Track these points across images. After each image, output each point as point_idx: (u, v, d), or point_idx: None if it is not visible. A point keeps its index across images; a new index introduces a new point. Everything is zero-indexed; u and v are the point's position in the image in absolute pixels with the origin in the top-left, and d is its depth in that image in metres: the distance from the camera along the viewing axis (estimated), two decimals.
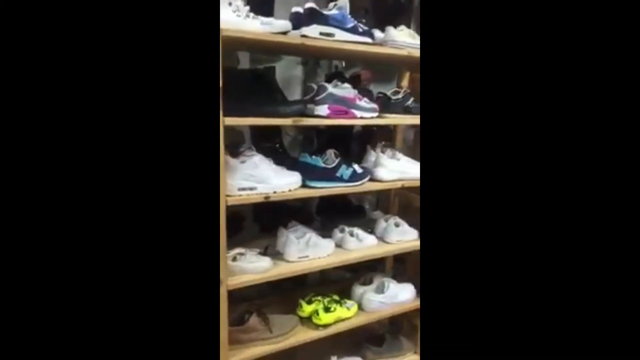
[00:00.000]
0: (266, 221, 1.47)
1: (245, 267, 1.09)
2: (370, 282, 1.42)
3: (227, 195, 1.01)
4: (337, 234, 1.32)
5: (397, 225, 1.38)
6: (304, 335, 1.23)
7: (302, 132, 1.68)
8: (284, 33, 1.04)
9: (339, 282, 1.57)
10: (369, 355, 1.42)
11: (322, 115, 1.11)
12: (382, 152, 1.32)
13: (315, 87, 1.13)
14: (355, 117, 1.17)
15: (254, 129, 1.47)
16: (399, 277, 1.48)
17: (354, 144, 1.65)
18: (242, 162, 1.05)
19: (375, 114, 1.22)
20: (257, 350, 1.14)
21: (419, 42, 1.23)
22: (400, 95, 1.29)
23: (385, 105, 1.26)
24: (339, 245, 1.30)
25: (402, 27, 1.23)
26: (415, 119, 1.30)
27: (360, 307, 1.34)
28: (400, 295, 1.39)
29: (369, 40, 1.13)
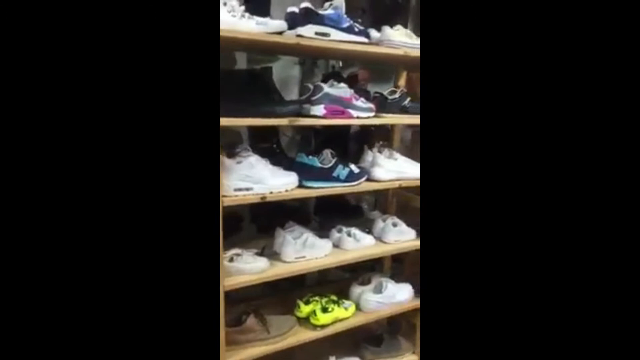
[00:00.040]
0: (264, 222, 1.47)
1: (242, 267, 1.09)
2: (368, 282, 1.42)
3: (223, 196, 1.01)
4: (335, 234, 1.32)
5: (394, 225, 1.38)
6: (302, 335, 1.23)
7: (299, 132, 1.68)
8: (280, 33, 1.04)
9: (337, 282, 1.57)
10: (367, 356, 1.42)
11: (318, 115, 1.11)
12: (380, 152, 1.32)
13: (311, 87, 1.13)
14: (351, 117, 1.16)
15: (252, 129, 1.46)
16: (397, 277, 1.48)
17: (352, 144, 1.65)
18: (238, 162, 1.05)
19: (372, 114, 1.21)
20: (255, 351, 1.14)
21: (415, 42, 1.23)
22: (397, 95, 1.29)
23: (382, 105, 1.26)
24: (336, 246, 1.30)
25: (399, 26, 1.23)
26: (412, 119, 1.30)
27: (358, 308, 1.34)
28: (398, 295, 1.39)
29: (364, 39, 1.13)
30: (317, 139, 1.61)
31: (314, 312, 1.24)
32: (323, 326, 1.24)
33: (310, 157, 1.17)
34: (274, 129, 1.46)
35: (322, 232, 1.34)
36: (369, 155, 1.31)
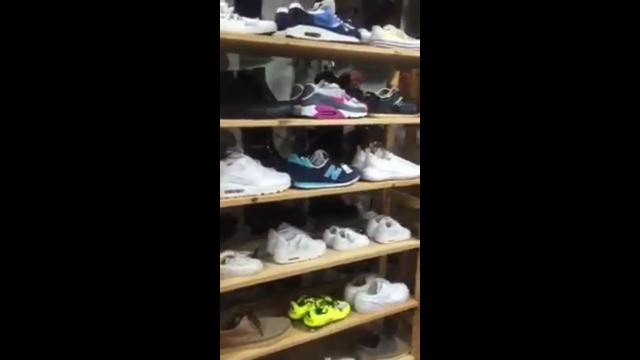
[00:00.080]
0: (258, 223, 1.47)
1: (235, 269, 1.09)
2: (363, 283, 1.41)
3: None
4: (329, 234, 1.31)
5: (388, 225, 1.37)
6: (296, 337, 1.22)
7: (294, 133, 1.68)
8: (270, 34, 1.04)
9: (333, 283, 1.56)
10: (362, 357, 1.41)
11: (309, 115, 1.11)
12: (373, 152, 1.31)
13: (302, 87, 1.13)
14: (342, 117, 1.16)
15: (245, 130, 1.46)
16: (392, 278, 1.47)
17: (346, 144, 1.64)
18: (229, 164, 1.04)
19: (364, 114, 1.21)
20: (248, 353, 1.13)
21: (407, 41, 1.23)
22: (388, 95, 1.29)
23: (374, 105, 1.26)
24: (330, 246, 1.29)
25: (390, 26, 1.23)
26: (404, 118, 1.30)
27: (353, 308, 1.34)
28: (393, 296, 1.39)
29: (355, 39, 1.13)
30: (311, 139, 1.61)
31: (307, 314, 1.24)
32: (317, 327, 1.24)
33: (302, 158, 1.17)
34: (267, 130, 1.46)
35: (318, 233, 1.33)
36: (361, 156, 1.31)
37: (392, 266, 1.68)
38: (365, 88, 1.40)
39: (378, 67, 1.63)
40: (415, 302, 1.44)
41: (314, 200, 1.52)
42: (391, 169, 1.30)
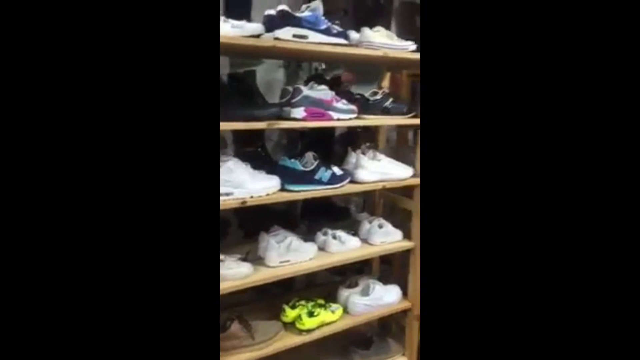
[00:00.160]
0: (250, 226, 1.46)
1: (224, 273, 1.08)
2: (355, 285, 1.41)
3: None
4: (320, 237, 1.31)
5: (380, 226, 1.37)
6: (288, 340, 1.21)
7: (286, 135, 1.67)
8: (257, 36, 1.04)
9: (326, 285, 1.56)
10: (355, 359, 1.40)
11: (298, 118, 1.10)
12: (363, 153, 1.31)
13: (291, 89, 1.12)
14: (332, 119, 1.16)
15: (236, 133, 1.46)
16: (385, 279, 1.47)
17: (338, 146, 1.64)
18: None
19: (353, 116, 1.21)
20: (240, 358, 1.12)
21: (396, 43, 1.23)
22: (378, 96, 1.28)
23: (364, 106, 1.26)
24: (322, 249, 1.29)
25: (379, 27, 1.23)
26: (394, 120, 1.30)
27: (346, 311, 1.33)
28: (386, 297, 1.38)
29: (343, 41, 1.13)
30: (303, 141, 1.61)
31: (299, 317, 1.23)
32: (309, 330, 1.23)
33: (292, 160, 1.16)
34: (258, 133, 1.45)
35: (309, 235, 1.33)
36: (352, 157, 1.30)
37: (385, 267, 1.68)
38: (356, 90, 1.40)
39: (369, 68, 1.63)
40: (408, 304, 1.44)
41: (307, 202, 1.52)
42: (382, 170, 1.30)
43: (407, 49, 1.25)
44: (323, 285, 1.58)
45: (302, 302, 1.27)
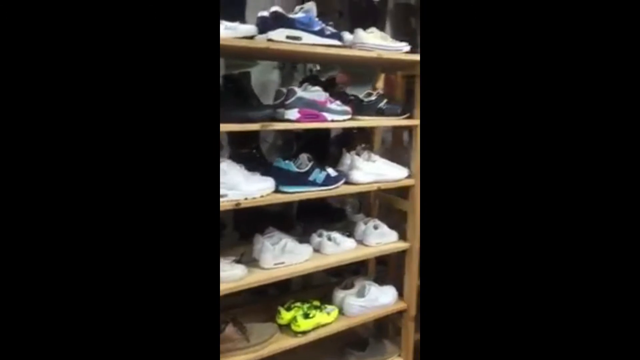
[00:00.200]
0: (246, 228, 1.46)
1: None
2: (351, 286, 1.41)
3: None
4: (315, 238, 1.31)
5: (376, 227, 1.37)
6: (283, 343, 1.21)
7: (282, 137, 1.67)
8: (251, 37, 1.03)
9: (323, 287, 1.55)
10: None
11: (292, 119, 1.10)
12: (358, 154, 1.31)
13: (285, 91, 1.12)
14: (326, 121, 1.16)
15: (231, 134, 1.45)
16: (381, 280, 1.46)
17: (334, 147, 1.64)
18: None
19: (348, 117, 1.21)
20: None
21: (389, 44, 1.23)
22: (372, 97, 1.28)
23: (358, 107, 1.26)
24: (317, 250, 1.28)
25: (373, 29, 1.23)
26: (388, 121, 1.30)
27: (342, 312, 1.33)
28: (382, 299, 1.38)
29: (336, 42, 1.13)
30: (299, 143, 1.60)
31: (295, 319, 1.23)
32: (304, 332, 1.23)
33: (286, 161, 1.16)
34: (254, 134, 1.45)
35: (305, 236, 1.33)
36: (347, 158, 1.30)
37: (381, 268, 1.67)
38: (351, 91, 1.40)
39: (363, 70, 1.63)
40: (404, 305, 1.44)
41: (302, 203, 1.52)
42: (376, 171, 1.30)
43: (401, 50, 1.25)
44: (319, 287, 1.57)
45: (298, 304, 1.27)
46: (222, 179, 1.03)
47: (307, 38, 1.08)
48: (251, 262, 1.18)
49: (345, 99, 1.27)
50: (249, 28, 1.02)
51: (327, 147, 1.59)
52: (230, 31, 0.98)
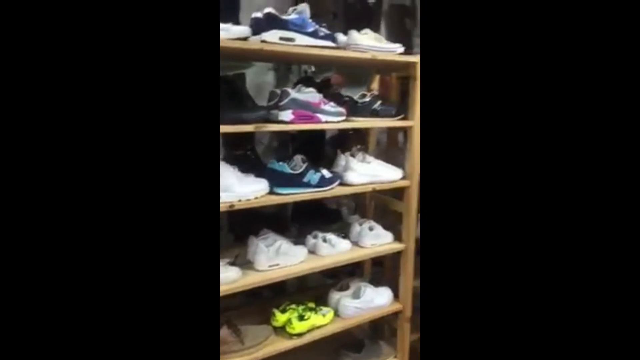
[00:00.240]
0: (240, 230, 1.45)
1: None
2: (347, 288, 1.40)
3: None
4: (310, 240, 1.30)
5: (371, 229, 1.37)
6: (278, 345, 1.20)
7: (277, 138, 1.67)
8: (245, 39, 1.03)
9: (319, 288, 1.55)
10: None
11: (286, 120, 1.10)
12: (353, 156, 1.31)
13: (278, 92, 1.12)
14: (320, 122, 1.16)
15: (225, 136, 1.45)
16: (377, 282, 1.46)
17: (329, 148, 1.64)
18: None
19: (342, 118, 1.21)
20: None
21: (383, 45, 1.23)
22: (367, 99, 1.28)
23: (353, 109, 1.26)
24: (312, 252, 1.28)
25: (367, 30, 1.23)
26: (382, 122, 1.30)
27: (337, 314, 1.33)
28: (377, 300, 1.38)
29: (330, 44, 1.13)
30: (294, 144, 1.60)
31: (290, 321, 1.22)
32: (299, 334, 1.22)
33: (280, 163, 1.16)
34: (249, 136, 1.45)
35: (300, 238, 1.32)
36: (342, 160, 1.30)
37: (376, 270, 1.67)
38: (345, 92, 1.40)
39: (358, 71, 1.63)
40: (399, 306, 1.43)
41: (297, 205, 1.51)
42: (371, 172, 1.30)
43: (395, 51, 1.25)
44: (315, 289, 1.57)
45: (293, 306, 1.27)
46: None
47: (301, 39, 1.08)
48: (246, 264, 1.18)
49: (340, 100, 1.27)
50: (243, 29, 1.02)
51: (322, 149, 1.59)
52: (223, 32, 0.98)
